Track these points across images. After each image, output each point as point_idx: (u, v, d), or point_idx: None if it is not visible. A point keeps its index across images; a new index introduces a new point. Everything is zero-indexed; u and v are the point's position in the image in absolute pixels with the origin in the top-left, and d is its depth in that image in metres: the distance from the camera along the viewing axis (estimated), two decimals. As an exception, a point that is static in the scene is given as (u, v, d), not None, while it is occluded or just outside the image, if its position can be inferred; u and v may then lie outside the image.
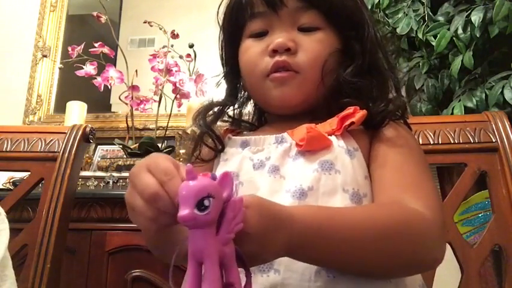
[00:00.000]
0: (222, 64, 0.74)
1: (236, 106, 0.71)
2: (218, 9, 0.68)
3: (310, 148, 0.56)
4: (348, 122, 0.57)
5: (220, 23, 0.69)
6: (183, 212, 0.35)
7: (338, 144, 0.56)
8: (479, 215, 1.28)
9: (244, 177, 0.58)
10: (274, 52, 0.61)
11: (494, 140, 0.86)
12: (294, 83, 0.61)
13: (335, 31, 0.63)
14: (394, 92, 0.65)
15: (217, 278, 0.36)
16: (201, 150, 0.66)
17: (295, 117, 0.62)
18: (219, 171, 0.61)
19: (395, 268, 0.49)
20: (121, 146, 1.67)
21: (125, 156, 1.64)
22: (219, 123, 0.68)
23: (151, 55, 1.74)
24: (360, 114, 0.57)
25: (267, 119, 0.72)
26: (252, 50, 0.64)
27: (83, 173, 1.48)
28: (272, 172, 0.57)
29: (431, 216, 0.50)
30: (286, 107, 0.63)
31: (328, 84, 0.61)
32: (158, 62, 1.72)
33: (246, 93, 0.71)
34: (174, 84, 1.71)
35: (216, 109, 0.68)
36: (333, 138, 0.57)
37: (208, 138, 0.65)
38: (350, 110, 0.58)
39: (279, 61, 0.60)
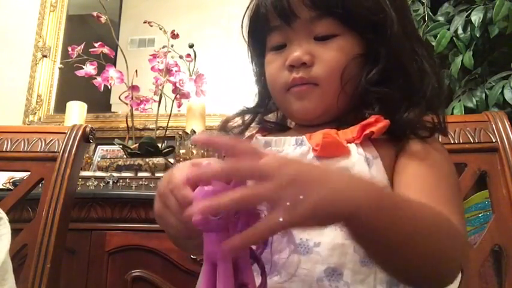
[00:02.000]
0: (254, 74, 0.73)
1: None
2: (242, 22, 0.67)
3: (325, 154, 0.55)
4: (367, 131, 0.56)
5: (245, 36, 0.69)
6: (197, 216, 0.36)
7: (357, 152, 0.55)
8: (479, 215, 1.27)
9: None
10: (292, 67, 0.60)
11: (494, 140, 0.86)
12: (313, 95, 0.60)
13: (355, 35, 0.60)
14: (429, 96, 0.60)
15: (230, 278, 0.37)
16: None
17: (321, 124, 0.62)
18: None
19: (427, 272, 0.45)
20: (121, 146, 1.67)
21: (125, 156, 1.64)
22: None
23: (151, 55, 1.74)
24: (382, 124, 0.56)
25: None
26: (272, 65, 0.64)
27: (83, 173, 1.48)
28: None
29: (464, 233, 0.49)
30: (308, 119, 0.63)
31: (350, 91, 0.59)
32: (158, 62, 1.72)
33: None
34: (174, 84, 1.71)
35: (246, 117, 0.69)
36: (352, 145, 0.56)
37: None
38: (372, 119, 0.57)
39: (296, 78, 0.60)
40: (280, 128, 0.70)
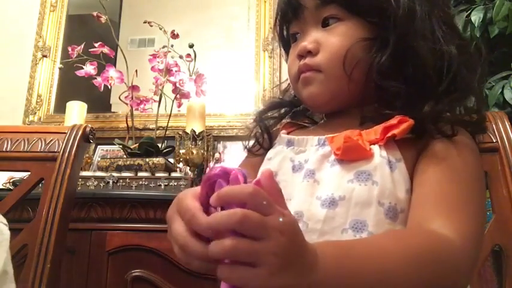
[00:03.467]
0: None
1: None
2: (275, 21, 0.70)
3: (346, 158, 0.54)
4: (389, 134, 0.54)
5: (275, 33, 0.71)
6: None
7: (380, 155, 0.54)
8: (479, 215, 1.27)
9: (281, 178, 0.58)
10: (300, 56, 0.62)
11: (494, 140, 0.86)
12: (317, 81, 0.60)
13: (360, 20, 0.60)
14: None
15: None
16: (255, 144, 0.69)
17: (346, 115, 0.61)
18: (262, 169, 0.62)
19: None
20: (121, 146, 1.67)
21: (124, 156, 1.64)
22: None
23: (151, 55, 1.74)
24: (405, 125, 0.54)
25: (325, 117, 0.70)
26: (290, 57, 0.66)
27: (83, 173, 1.47)
28: (307, 176, 0.56)
29: (462, 243, 0.46)
30: (316, 105, 0.64)
31: (357, 78, 0.58)
32: (158, 62, 1.72)
33: None
34: (174, 84, 1.71)
35: (282, 110, 0.70)
36: (375, 147, 0.55)
37: (261, 135, 0.67)
38: (395, 120, 0.54)
39: (301, 66, 0.61)
40: (310, 122, 0.71)
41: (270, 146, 0.66)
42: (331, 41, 0.60)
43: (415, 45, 0.57)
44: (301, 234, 0.37)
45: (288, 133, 0.66)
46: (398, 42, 0.57)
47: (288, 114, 0.71)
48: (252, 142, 0.69)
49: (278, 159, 0.61)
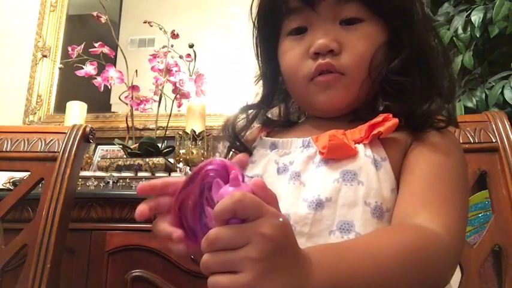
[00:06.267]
0: (258, 64, 0.68)
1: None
2: (251, 5, 0.63)
3: (332, 157, 0.53)
4: (375, 131, 0.54)
5: (254, 21, 0.64)
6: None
7: (365, 154, 0.53)
8: (479, 215, 1.27)
9: (266, 181, 0.55)
10: (316, 54, 0.56)
11: (494, 140, 0.86)
12: (340, 85, 0.57)
13: (380, 21, 0.57)
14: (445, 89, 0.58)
15: None
16: (233, 156, 0.65)
17: (336, 117, 0.60)
18: (246, 173, 0.60)
19: None
20: (121, 146, 1.67)
21: (124, 156, 1.64)
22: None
23: (151, 55, 1.74)
24: (390, 123, 0.53)
25: (308, 116, 0.68)
26: (292, 52, 0.59)
27: (83, 173, 1.47)
28: (292, 178, 0.55)
29: (448, 237, 0.46)
30: (333, 110, 0.60)
31: (373, 79, 0.57)
32: (158, 62, 1.72)
33: (282, 95, 0.68)
34: (174, 84, 1.71)
35: (249, 112, 0.66)
36: (360, 146, 0.54)
37: (237, 144, 0.64)
38: (380, 118, 0.54)
39: (322, 64, 0.56)
40: (285, 124, 0.67)
41: (250, 153, 0.63)
42: (356, 42, 0.56)
43: (425, 50, 0.57)
44: (294, 240, 0.35)
45: (268, 134, 0.64)
46: (413, 45, 0.57)
47: (256, 115, 0.66)
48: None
49: (263, 162, 0.59)
